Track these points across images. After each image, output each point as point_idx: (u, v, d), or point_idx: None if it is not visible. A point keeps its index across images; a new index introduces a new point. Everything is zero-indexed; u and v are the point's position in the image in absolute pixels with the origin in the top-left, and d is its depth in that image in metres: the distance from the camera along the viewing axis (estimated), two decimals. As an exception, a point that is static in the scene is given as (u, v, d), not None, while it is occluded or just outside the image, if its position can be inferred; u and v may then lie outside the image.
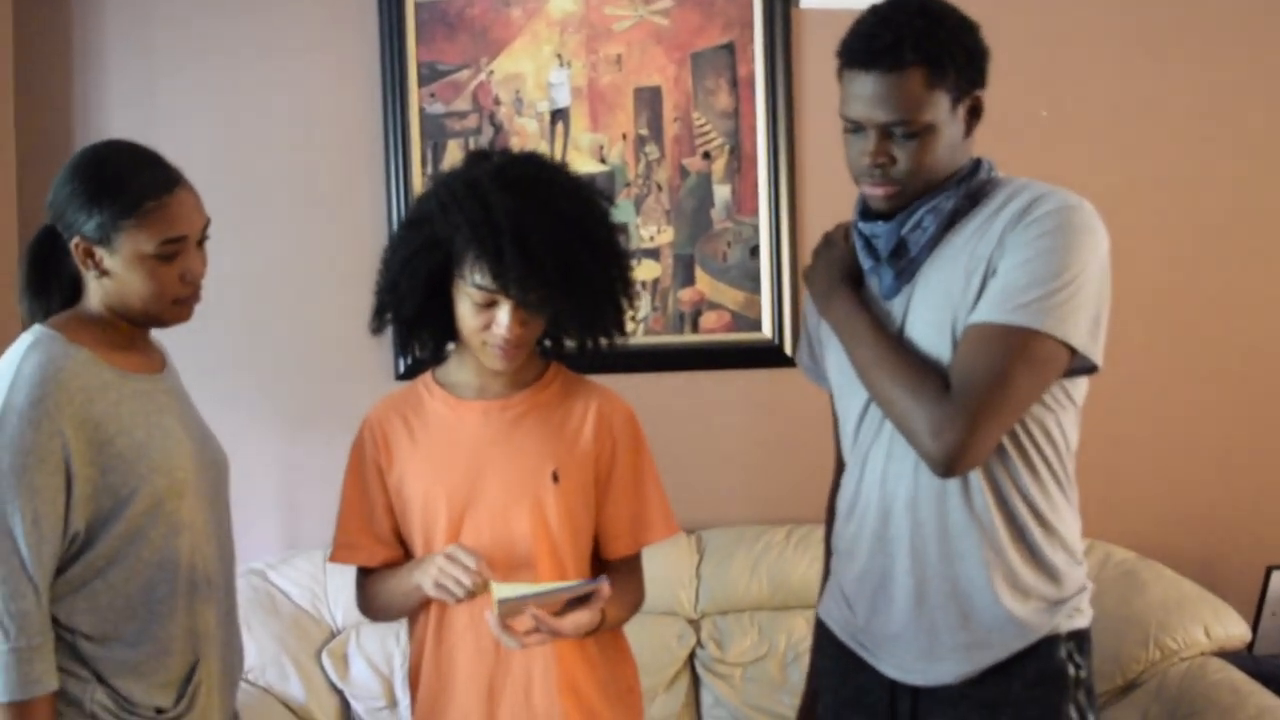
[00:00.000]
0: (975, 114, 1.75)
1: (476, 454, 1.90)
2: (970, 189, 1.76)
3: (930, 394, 1.65)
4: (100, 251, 1.79)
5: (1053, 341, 1.64)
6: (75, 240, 1.79)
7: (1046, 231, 1.66)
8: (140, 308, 1.82)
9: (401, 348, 1.99)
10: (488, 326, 1.81)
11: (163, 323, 1.88)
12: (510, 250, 1.74)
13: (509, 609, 1.72)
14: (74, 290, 1.87)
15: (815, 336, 2.01)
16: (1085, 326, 1.65)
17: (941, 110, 1.69)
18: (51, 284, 1.88)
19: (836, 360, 1.89)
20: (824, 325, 1.92)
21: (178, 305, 1.85)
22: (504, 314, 1.79)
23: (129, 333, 1.87)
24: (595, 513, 1.96)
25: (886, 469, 1.80)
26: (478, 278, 1.77)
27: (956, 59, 1.69)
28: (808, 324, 2.06)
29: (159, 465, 1.80)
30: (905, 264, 1.77)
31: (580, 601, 1.78)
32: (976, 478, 1.72)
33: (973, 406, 1.62)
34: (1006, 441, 1.71)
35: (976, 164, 1.79)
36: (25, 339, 1.79)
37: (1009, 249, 1.67)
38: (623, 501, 1.96)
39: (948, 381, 1.66)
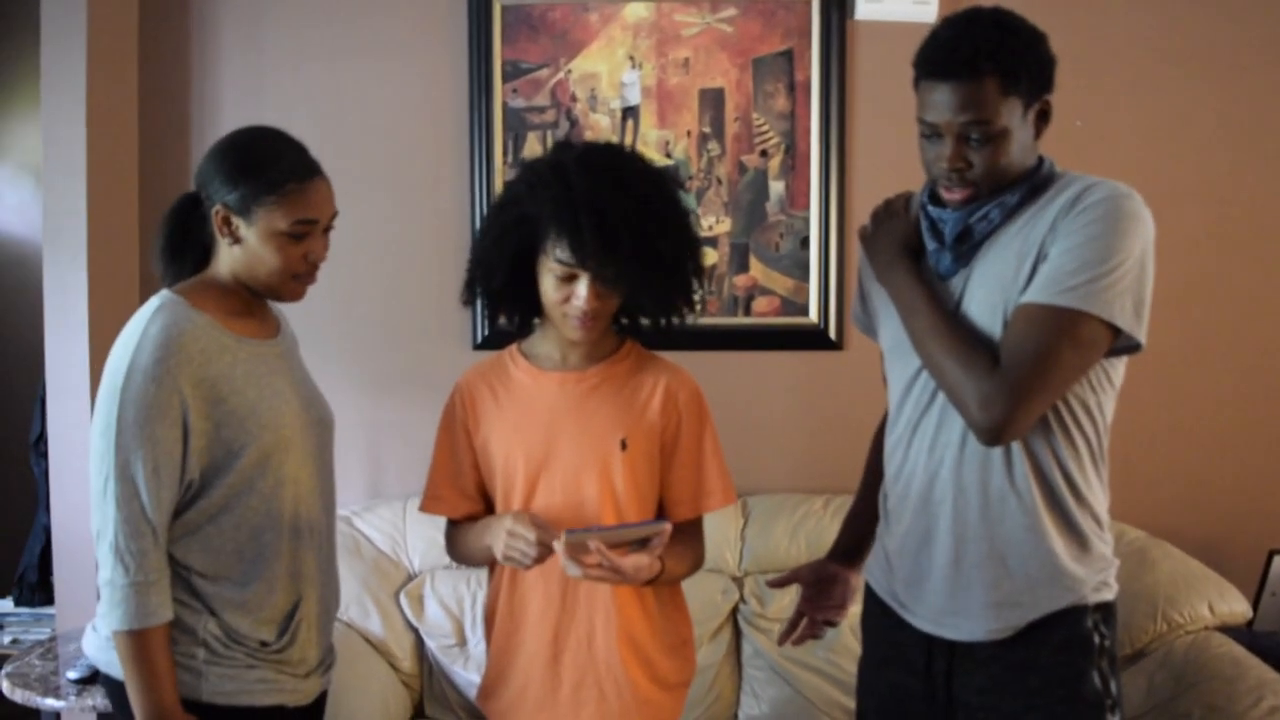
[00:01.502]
0: (1045, 118, 1.75)
1: (552, 420, 1.93)
2: (1034, 185, 1.76)
3: (981, 368, 1.66)
4: (238, 221, 1.83)
5: (1097, 322, 1.64)
6: (217, 208, 1.84)
7: (1096, 219, 1.66)
8: (264, 278, 1.87)
9: (490, 318, 2.02)
10: (568, 299, 1.84)
11: (279, 296, 1.93)
12: (589, 227, 1.77)
13: (575, 543, 1.75)
14: (205, 256, 1.92)
15: (869, 292, 2.02)
16: (1130, 308, 1.66)
17: (1015, 116, 1.70)
18: (185, 248, 1.93)
19: (891, 327, 1.90)
20: (878, 287, 1.93)
21: (296, 281, 1.90)
22: (582, 287, 1.82)
23: (248, 300, 1.92)
24: (659, 479, 1.98)
25: (936, 437, 1.81)
26: (559, 253, 1.80)
27: (1030, 67, 1.69)
28: (862, 281, 2.05)
29: (268, 423, 1.85)
30: (966, 249, 1.78)
31: (642, 545, 1.80)
32: (1018, 449, 1.74)
33: (1019, 382, 1.63)
34: (1049, 416, 1.72)
35: (1040, 162, 1.79)
36: (153, 303, 1.84)
37: (1060, 234, 1.68)
38: (686, 470, 1.98)
39: (998, 357, 1.67)
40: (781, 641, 2.22)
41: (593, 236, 1.77)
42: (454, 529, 2.02)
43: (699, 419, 1.99)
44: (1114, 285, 1.64)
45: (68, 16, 3.17)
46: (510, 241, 1.87)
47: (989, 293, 1.74)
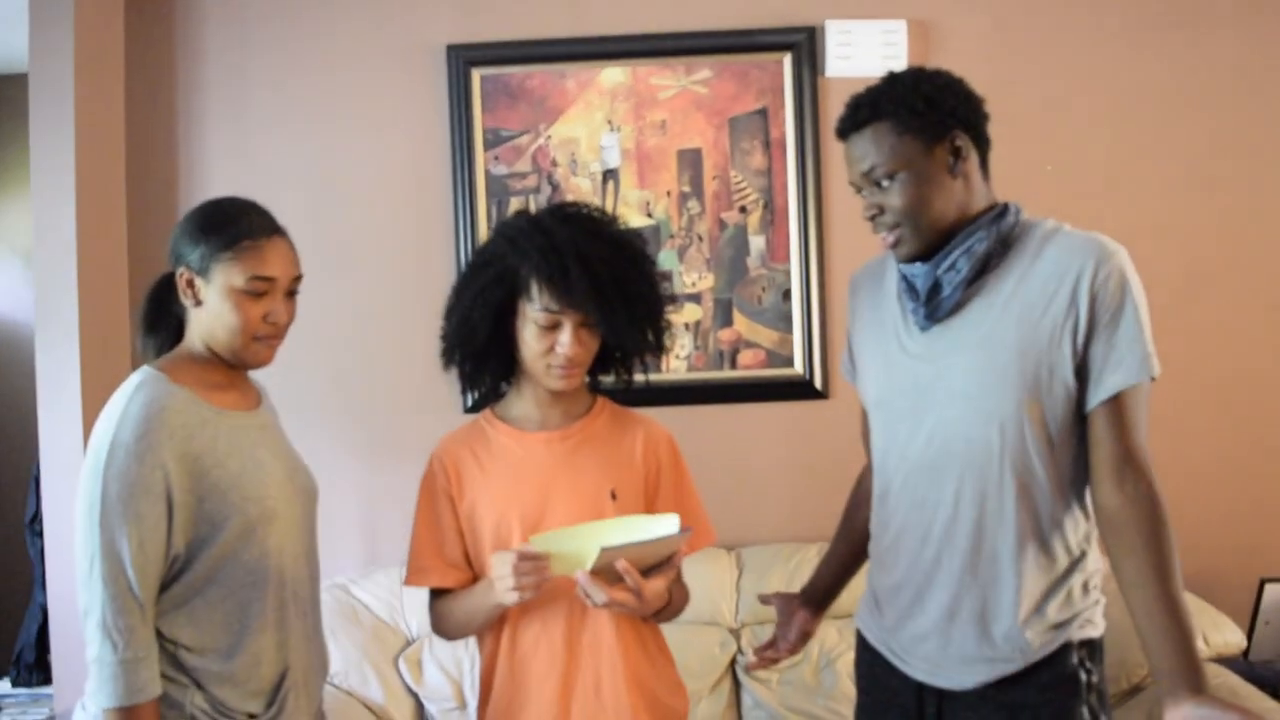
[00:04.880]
0: (957, 154, 1.76)
1: (544, 479, 1.92)
2: (1002, 232, 1.76)
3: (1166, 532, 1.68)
4: (199, 282, 1.83)
5: (1149, 381, 1.72)
6: (181, 270, 1.84)
7: (1117, 289, 1.69)
8: (225, 340, 1.84)
9: (466, 384, 2.00)
10: (551, 349, 1.85)
11: (244, 361, 1.89)
12: (575, 269, 1.80)
13: (606, 557, 1.73)
14: (181, 330, 1.91)
15: (854, 344, 2.02)
16: (1155, 356, 1.71)
17: (912, 153, 1.73)
18: (162, 323, 1.93)
19: (876, 383, 1.91)
20: (861, 339, 1.97)
21: (258, 343, 1.86)
22: (565, 334, 1.84)
23: (227, 372, 1.90)
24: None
25: (927, 495, 1.80)
26: (545, 300, 1.82)
27: (915, 106, 1.73)
28: (849, 333, 2.06)
29: (251, 494, 1.82)
30: (939, 302, 1.78)
31: (657, 568, 1.82)
32: (1011, 506, 1.74)
33: (1141, 471, 1.69)
34: (1047, 476, 1.74)
35: (1004, 209, 1.79)
36: (134, 379, 1.82)
37: (1098, 321, 1.69)
38: (673, 508, 1.97)
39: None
40: (749, 667, 2.27)
41: (579, 278, 1.79)
42: (440, 600, 1.98)
43: (676, 465, 2.02)
44: (1149, 343, 1.70)
45: (56, 101, 3.17)
46: (492, 297, 1.87)
47: (985, 351, 1.74)
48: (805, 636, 2.17)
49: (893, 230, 1.77)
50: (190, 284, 1.84)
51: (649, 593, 1.78)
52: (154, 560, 1.74)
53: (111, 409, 1.78)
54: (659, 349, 1.99)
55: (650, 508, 1.97)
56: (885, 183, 1.74)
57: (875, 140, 1.74)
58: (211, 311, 1.83)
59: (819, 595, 2.18)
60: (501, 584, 1.78)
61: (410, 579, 1.97)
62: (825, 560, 2.20)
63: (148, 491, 1.72)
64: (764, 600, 2.26)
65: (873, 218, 1.79)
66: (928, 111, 1.73)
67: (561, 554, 1.77)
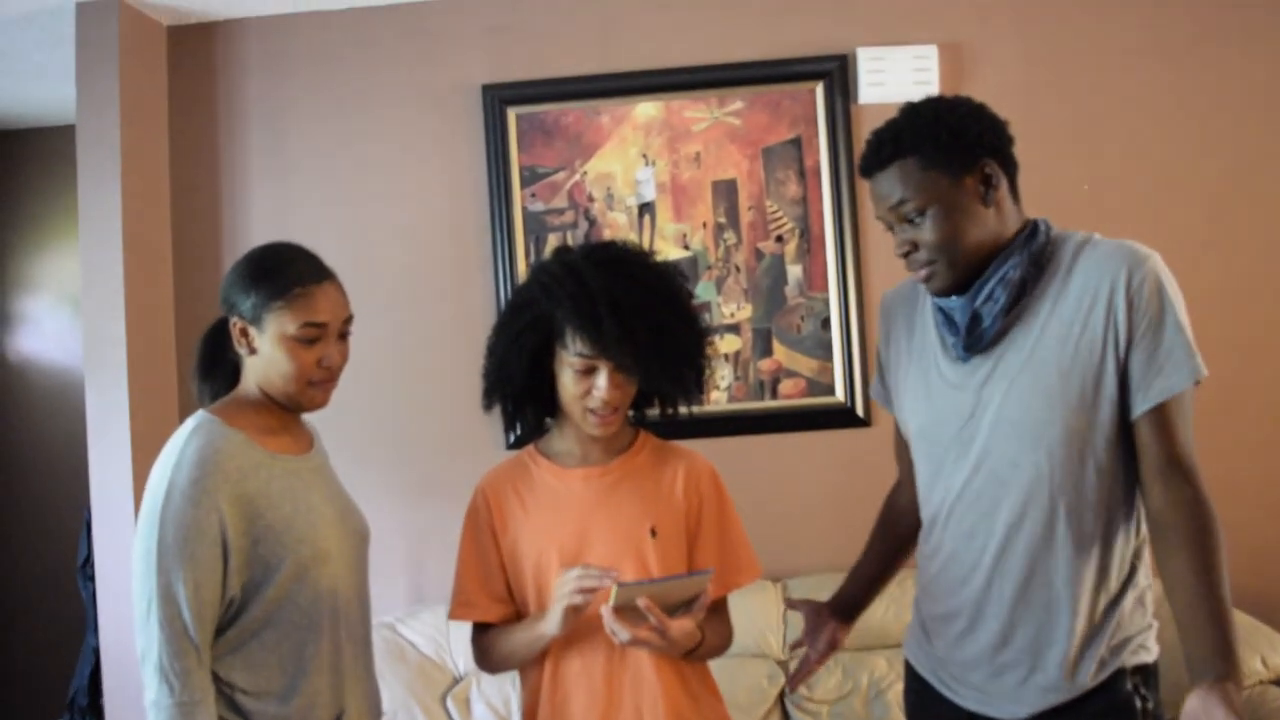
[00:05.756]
0: (987, 182, 1.73)
1: (583, 515, 1.91)
2: (1034, 254, 1.74)
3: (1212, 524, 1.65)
4: (253, 331, 1.84)
5: (1195, 384, 1.69)
6: (234, 319, 1.85)
7: (1153, 294, 1.67)
8: (280, 386, 1.86)
9: (509, 423, 2.00)
10: (588, 392, 1.84)
11: (299, 404, 1.90)
12: (608, 318, 1.78)
13: (626, 594, 1.72)
14: (236, 375, 1.93)
15: (887, 367, 2.01)
16: (1199, 357, 1.68)
17: (941, 187, 1.70)
18: (217, 367, 1.95)
19: (919, 409, 1.88)
20: (895, 363, 1.95)
21: (313, 388, 1.88)
22: (602, 379, 1.83)
23: (281, 416, 1.91)
24: (688, 562, 1.95)
25: (977, 524, 1.78)
26: (579, 346, 1.81)
27: (939, 138, 1.70)
28: (880, 357, 2.05)
29: (304, 537, 1.82)
30: (980, 333, 1.76)
31: (686, 608, 1.79)
32: (1064, 536, 1.72)
33: (1193, 474, 1.67)
34: (1097, 496, 1.71)
35: (1034, 228, 1.77)
36: (189, 424, 1.83)
37: (1136, 329, 1.67)
38: (711, 550, 1.96)
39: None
40: (791, 685, 2.24)
41: (611, 326, 1.78)
42: (485, 635, 1.98)
43: (719, 499, 1.98)
44: (1192, 343, 1.67)
45: (103, 152, 3.24)
46: (528, 342, 1.88)
47: (1034, 378, 1.72)
48: (833, 646, 2.15)
49: (927, 265, 1.75)
50: (244, 333, 1.85)
51: (675, 632, 1.76)
52: (210, 604, 1.74)
53: (168, 453, 1.80)
54: (698, 390, 1.97)
55: (692, 543, 1.95)
56: (916, 219, 1.72)
57: (902, 177, 1.71)
58: (266, 359, 1.84)
59: (847, 606, 2.16)
60: (562, 589, 1.78)
61: (454, 613, 1.97)
62: (855, 571, 2.18)
63: (203, 535, 1.73)
64: (791, 605, 2.22)
65: (906, 254, 1.76)
66: (953, 143, 1.70)
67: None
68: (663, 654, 1.84)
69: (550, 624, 1.80)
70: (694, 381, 1.95)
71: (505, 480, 1.99)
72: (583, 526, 1.90)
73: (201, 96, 3.56)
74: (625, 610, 1.74)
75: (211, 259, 3.53)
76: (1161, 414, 1.66)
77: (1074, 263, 1.73)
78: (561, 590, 1.79)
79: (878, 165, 1.74)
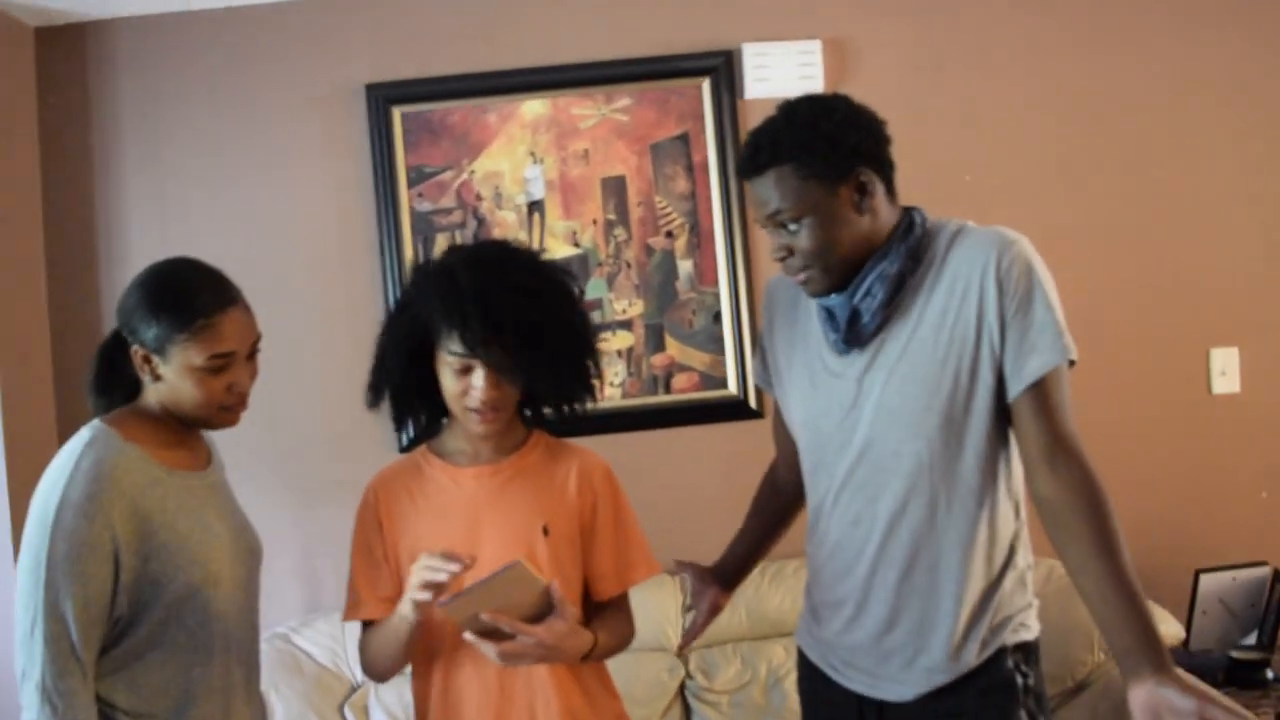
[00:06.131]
0: (862, 191, 1.74)
1: (474, 514, 1.90)
2: (910, 247, 1.77)
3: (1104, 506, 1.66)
4: (156, 359, 1.79)
5: (1067, 364, 1.70)
6: (135, 347, 1.80)
7: (1022, 276, 1.69)
8: (190, 412, 1.82)
9: (397, 420, 1.98)
10: (466, 391, 1.83)
11: (211, 426, 1.89)
12: (475, 316, 1.77)
13: (454, 609, 1.68)
14: (136, 387, 1.87)
15: (769, 351, 2.03)
16: (1070, 337, 1.70)
17: (816, 196, 1.71)
18: (115, 381, 1.89)
19: (802, 399, 1.90)
20: (780, 348, 1.98)
21: (225, 412, 1.86)
22: (479, 378, 1.82)
23: (179, 430, 1.87)
24: (582, 561, 1.95)
25: (861, 511, 1.81)
26: (452, 345, 1.80)
27: (816, 148, 1.70)
28: (763, 340, 2.07)
29: (196, 557, 1.78)
30: (860, 329, 1.78)
31: (547, 613, 1.76)
32: (946, 520, 1.75)
33: (1078, 454, 1.68)
34: (978, 481, 1.74)
35: (910, 221, 1.79)
36: (84, 434, 1.78)
37: (1007, 311, 1.69)
38: (607, 548, 1.96)
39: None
40: (680, 650, 2.35)
41: (478, 325, 1.77)
42: (365, 633, 1.96)
43: (613, 496, 1.99)
44: (1061, 323, 1.70)
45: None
46: (407, 342, 1.87)
47: (912, 368, 1.74)
48: (716, 610, 2.19)
49: (803, 270, 1.77)
50: (147, 359, 1.80)
51: (550, 638, 1.74)
52: (98, 621, 1.70)
53: (60, 465, 1.74)
54: (583, 390, 1.95)
55: (587, 541, 1.95)
56: (792, 226, 1.73)
57: (778, 184, 1.71)
58: (173, 387, 1.80)
59: (727, 574, 2.21)
60: (411, 580, 1.76)
61: (346, 614, 1.95)
62: (734, 543, 2.24)
63: (95, 551, 1.68)
64: (679, 566, 2.24)
65: (782, 259, 1.78)
66: (830, 153, 1.70)
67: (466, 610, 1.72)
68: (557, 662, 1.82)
69: (404, 611, 1.78)
70: (576, 381, 1.94)
71: (396, 479, 1.97)
72: (474, 525, 1.89)
73: (73, 100, 3.43)
74: (460, 612, 1.70)
75: (87, 266, 3.40)
76: (1038, 394, 1.69)
77: (947, 252, 1.76)
78: (411, 581, 1.76)
79: (754, 170, 1.75)
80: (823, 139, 1.70)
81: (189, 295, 1.79)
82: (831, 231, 1.73)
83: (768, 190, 1.73)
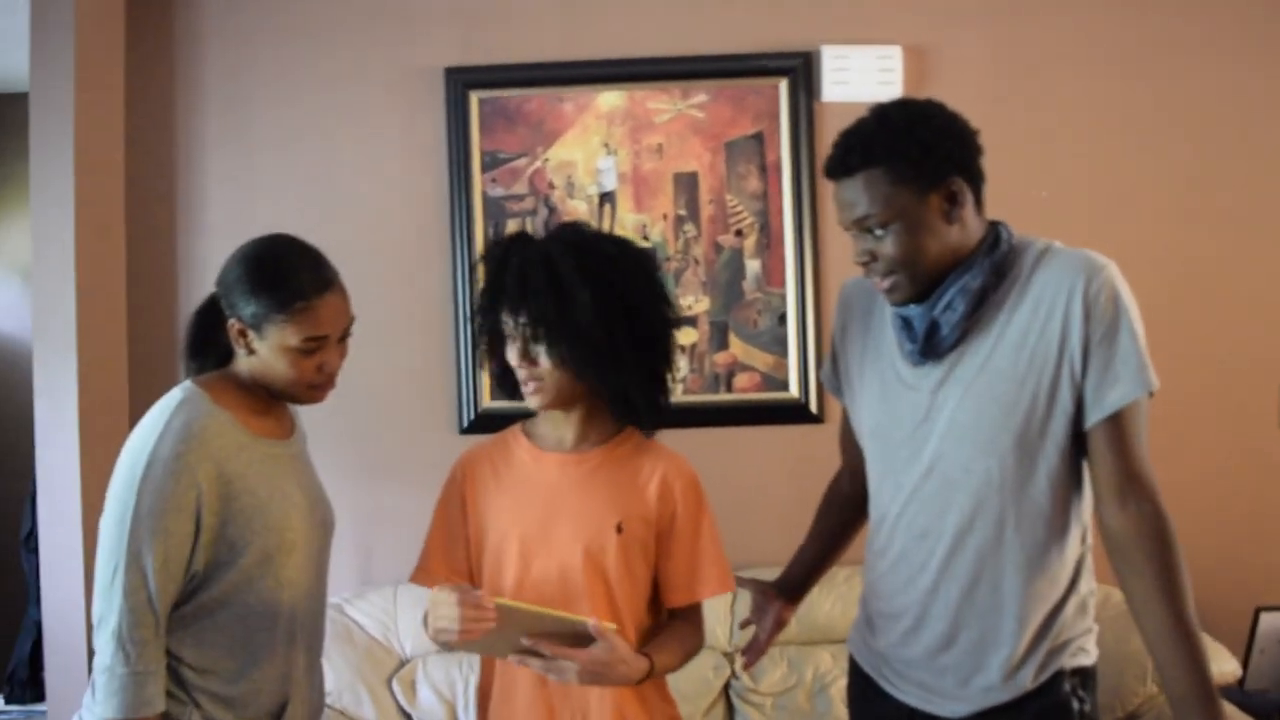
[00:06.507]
0: (953, 200, 1.71)
1: (552, 499, 1.88)
2: (995, 262, 1.73)
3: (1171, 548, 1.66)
4: (252, 335, 1.82)
5: (1147, 396, 1.68)
6: (232, 320, 1.84)
7: (1109, 304, 1.67)
8: (279, 387, 1.86)
9: (496, 385, 2.00)
10: (516, 364, 1.84)
11: (297, 401, 1.93)
12: (508, 285, 1.79)
13: (504, 610, 1.66)
14: (228, 353, 1.90)
15: (841, 354, 2.00)
16: (1151, 369, 1.68)
17: (906, 203, 1.67)
18: (208, 347, 1.93)
19: (872, 407, 1.88)
20: (853, 352, 1.94)
21: (312, 390, 1.89)
22: (512, 350, 1.83)
23: (266, 400, 1.90)
24: (654, 566, 1.92)
25: (927, 525, 1.78)
26: (504, 316, 1.82)
27: (909, 154, 1.66)
28: (835, 343, 2.03)
29: (273, 524, 1.82)
30: (938, 341, 1.75)
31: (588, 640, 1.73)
32: (1012, 537, 1.72)
33: (1150, 489, 1.67)
34: (1048, 502, 1.72)
35: (995, 235, 1.76)
36: (176, 394, 1.82)
37: (1091, 338, 1.67)
38: (681, 558, 1.90)
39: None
40: (744, 666, 2.24)
41: (508, 291, 1.78)
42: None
43: (695, 507, 1.92)
44: (1145, 354, 1.67)
45: (56, 120, 3.17)
46: (485, 319, 1.88)
47: (989, 385, 1.71)
48: (780, 625, 2.16)
49: (886, 277, 1.73)
50: (243, 334, 1.84)
51: (591, 664, 1.70)
52: (175, 577, 1.74)
53: (151, 422, 1.79)
54: (603, 373, 1.83)
55: (662, 547, 1.90)
56: (879, 231, 1.70)
57: (868, 188, 1.67)
58: (265, 363, 1.84)
59: (792, 587, 2.18)
60: (435, 622, 1.70)
61: (414, 576, 1.94)
62: (799, 554, 2.21)
63: (179, 508, 1.73)
64: (740, 584, 2.14)
65: (865, 264, 1.74)
66: (923, 159, 1.67)
67: (507, 625, 1.69)
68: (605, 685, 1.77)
69: (431, 635, 1.75)
70: (599, 363, 1.83)
71: (484, 454, 1.97)
72: (550, 510, 1.87)
73: (159, 68, 3.51)
74: (506, 616, 1.67)
75: (165, 233, 3.48)
76: (1115, 425, 1.67)
77: (1033, 272, 1.72)
78: (435, 621, 1.70)
79: (844, 172, 1.70)
80: (917, 144, 1.67)
81: (289, 276, 1.82)
82: (919, 239, 1.69)
83: (856, 193, 1.69)
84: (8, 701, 3.56)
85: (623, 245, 1.90)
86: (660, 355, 1.90)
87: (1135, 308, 1.69)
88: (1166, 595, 1.61)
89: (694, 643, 1.94)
